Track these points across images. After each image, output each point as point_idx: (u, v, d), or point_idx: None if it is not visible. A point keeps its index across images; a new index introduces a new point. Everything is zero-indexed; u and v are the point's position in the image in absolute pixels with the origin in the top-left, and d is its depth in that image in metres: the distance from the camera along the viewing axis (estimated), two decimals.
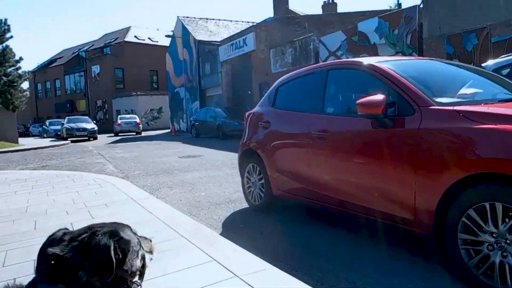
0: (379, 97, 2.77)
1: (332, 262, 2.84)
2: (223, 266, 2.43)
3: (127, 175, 8.07)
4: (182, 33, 29.25)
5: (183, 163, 9.52)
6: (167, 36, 30.41)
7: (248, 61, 21.28)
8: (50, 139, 28.49)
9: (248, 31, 21.62)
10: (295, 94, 4.34)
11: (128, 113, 40.57)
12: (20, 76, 21.59)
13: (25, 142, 23.86)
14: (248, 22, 33.91)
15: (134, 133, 28.26)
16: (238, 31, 24.90)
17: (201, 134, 20.01)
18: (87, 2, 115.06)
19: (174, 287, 2.20)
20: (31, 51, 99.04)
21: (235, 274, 2.29)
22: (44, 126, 35.15)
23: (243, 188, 4.93)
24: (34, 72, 51.52)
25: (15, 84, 21.10)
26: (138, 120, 29.35)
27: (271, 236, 3.65)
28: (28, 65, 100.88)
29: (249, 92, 20.37)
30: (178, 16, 30.70)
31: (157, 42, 47.11)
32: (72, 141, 23.10)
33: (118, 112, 41.98)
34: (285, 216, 4.34)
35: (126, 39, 44.92)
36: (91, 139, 24.61)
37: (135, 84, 42.79)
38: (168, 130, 31.62)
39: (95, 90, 44.75)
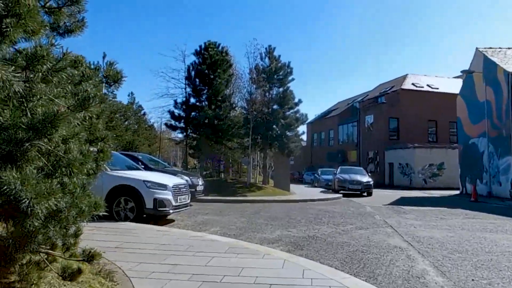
0: None
1: None
2: None
3: None
4: (484, 67, 22.74)
5: None
6: (463, 71, 24.19)
7: None
8: (321, 189, 27.07)
9: None
10: None
11: (403, 167, 36.19)
12: (297, 119, 20.34)
13: (296, 190, 22.36)
14: None
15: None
16: None
17: None
18: (364, 55, 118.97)
19: None
20: (312, 103, 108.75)
21: None
22: (316, 175, 34.61)
23: None
24: (311, 123, 54.09)
25: (292, 127, 19.90)
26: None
27: None
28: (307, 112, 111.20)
29: None
30: (477, 48, 24.36)
31: (437, 89, 41.36)
32: (343, 195, 20.00)
33: (391, 165, 38.01)
34: None
35: (402, 87, 40.97)
36: (365, 194, 20.91)
37: (410, 135, 37.97)
38: (455, 192, 24.91)
39: (367, 140, 42.26)
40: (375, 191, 22.20)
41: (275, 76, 21.02)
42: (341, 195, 19.85)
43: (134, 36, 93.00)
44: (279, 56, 21.46)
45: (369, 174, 24.79)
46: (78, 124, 2.71)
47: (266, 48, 21.53)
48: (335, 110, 55.00)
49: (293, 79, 21.20)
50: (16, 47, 2.55)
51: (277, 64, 21.08)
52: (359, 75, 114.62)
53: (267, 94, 20.86)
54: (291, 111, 20.90)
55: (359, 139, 44.36)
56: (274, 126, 20.52)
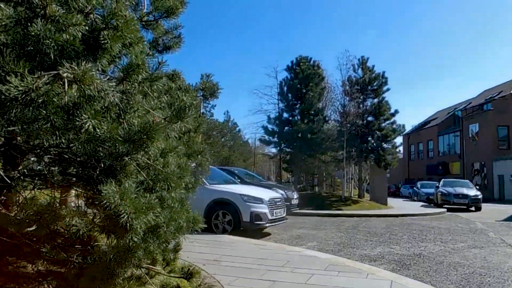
0: None
1: None
2: None
3: None
4: None
5: None
6: None
7: None
8: (421, 203, 25.81)
9: None
10: None
11: None
12: (394, 131, 19.69)
13: (394, 203, 21.54)
14: None
15: None
16: None
17: None
18: (461, 62, 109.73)
19: None
20: (409, 113, 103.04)
21: None
22: (415, 188, 33.29)
23: None
24: (408, 134, 51.57)
25: (388, 138, 19.33)
26: None
27: None
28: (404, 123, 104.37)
29: None
30: None
31: None
32: (447, 209, 18.73)
33: (501, 178, 34.59)
34: None
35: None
36: (472, 209, 19.34)
37: None
38: None
39: (472, 151, 39.04)
40: (483, 206, 20.43)
41: (369, 87, 20.67)
42: (445, 209, 18.60)
43: (226, 56, 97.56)
44: (373, 66, 21.14)
45: (476, 187, 22.92)
46: (175, 137, 2.61)
47: (358, 59, 21.35)
48: (434, 119, 51.82)
49: (388, 89, 20.72)
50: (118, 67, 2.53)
51: (370, 74, 20.71)
52: (457, 83, 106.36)
53: (361, 105, 20.57)
54: (387, 122, 20.32)
55: (462, 150, 41.24)
56: (369, 138, 20.12)
